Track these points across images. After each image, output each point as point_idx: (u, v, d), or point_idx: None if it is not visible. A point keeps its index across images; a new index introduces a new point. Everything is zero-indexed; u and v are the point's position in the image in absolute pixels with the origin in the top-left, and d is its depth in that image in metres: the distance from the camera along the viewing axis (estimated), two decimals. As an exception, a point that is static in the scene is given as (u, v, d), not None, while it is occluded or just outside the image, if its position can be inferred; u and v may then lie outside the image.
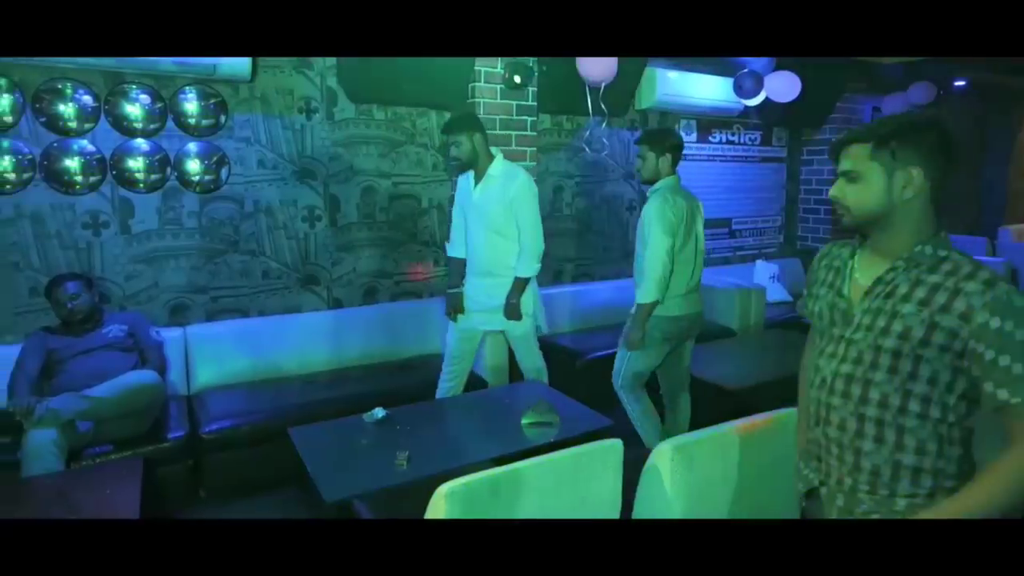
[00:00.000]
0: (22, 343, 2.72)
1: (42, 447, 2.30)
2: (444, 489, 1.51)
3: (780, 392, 2.18)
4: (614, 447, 1.79)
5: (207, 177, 3.21)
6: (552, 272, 4.45)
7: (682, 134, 4.88)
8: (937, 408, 1.20)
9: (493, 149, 2.89)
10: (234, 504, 2.75)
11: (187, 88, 3.10)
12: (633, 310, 2.77)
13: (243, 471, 2.85)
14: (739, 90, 4.19)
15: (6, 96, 2.77)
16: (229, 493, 2.80)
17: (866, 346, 1.25)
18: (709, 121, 5.10)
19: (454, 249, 3.09)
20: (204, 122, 3.16)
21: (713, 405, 3.10)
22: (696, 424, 2.96)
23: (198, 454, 2.75)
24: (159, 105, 3.06)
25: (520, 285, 2.86)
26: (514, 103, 3.67)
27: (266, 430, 2.82)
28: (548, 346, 3.89)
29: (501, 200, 2.80)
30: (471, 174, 2.91)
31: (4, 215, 2.83)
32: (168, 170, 3.13)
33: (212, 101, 3.17)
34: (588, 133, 4.43)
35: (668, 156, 2.75)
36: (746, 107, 4.85)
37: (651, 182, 2.79)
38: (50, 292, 2.73)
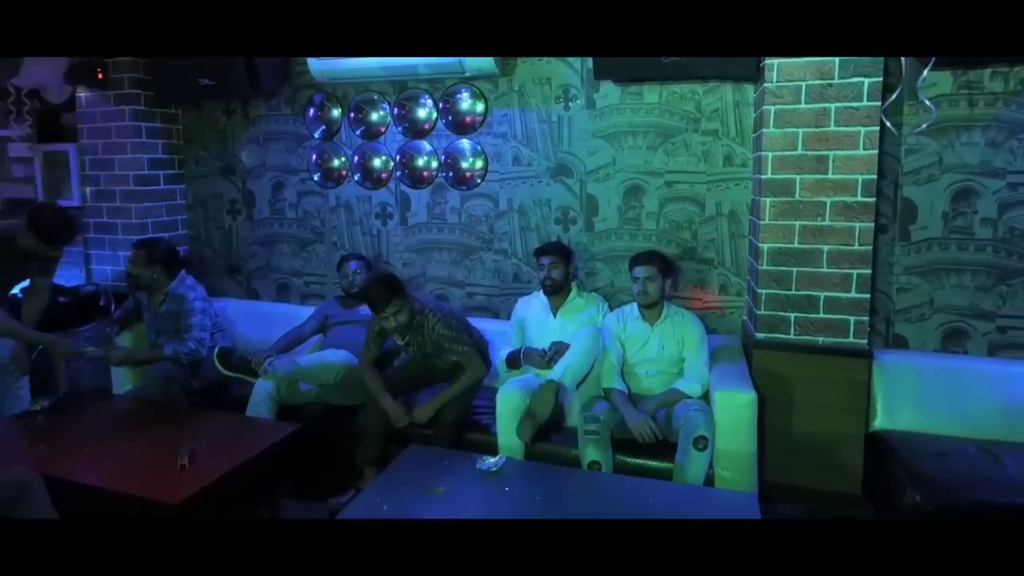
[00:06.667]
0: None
1: (259, 396, 2.83)
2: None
3: None
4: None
5: (467, 174, 3.26)
6: (942, 332, 2.74)
7: None
8: None
9: None
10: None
11: (453, 88, 3.20)
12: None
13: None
14: None
15: (336, 109, 3.45)
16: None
17: None
18: None
19: None
20: (467, 120, 3.21)
21: None
22: None
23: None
24: (433, 107, 3.25)
25: None
26: (836, 60, 2.35)
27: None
28: (880, 445, 2.49)
29: None
30: None
31: (330, 204, 3.57)
32: (437, 167, 3.32)
33: (473, 99, 3.18)
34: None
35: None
36: None
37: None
38: (339, 267, 3.30)
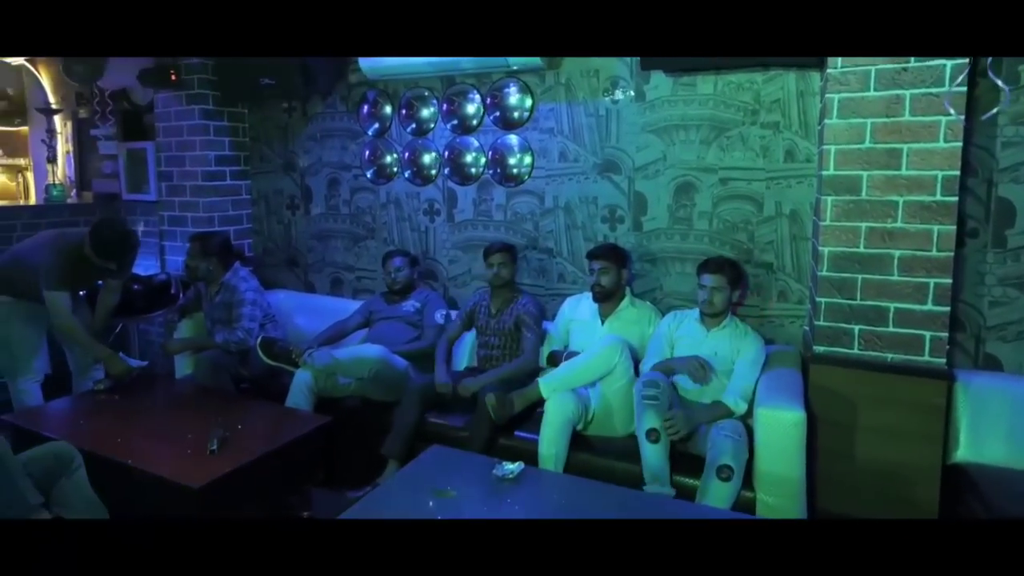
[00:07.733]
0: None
1: (298, 386, 2.88)
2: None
3: None
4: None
5: (513, 171, 3.18)
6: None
7: None
8: None
9: None
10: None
11: (500, 83, 3.12)
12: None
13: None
14: None
15: (388, 106, 3.47)
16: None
17: None
18: None
19: None
20: (513, 116, 3.13)
21: None
22: None
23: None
24: (480, 103, 3.20)
25: None
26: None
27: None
28: (961, 478, 2.23)
29: None
30: None
31: (381, 200, 3.59)
32: (483, 163, 3.26)
33: (520, 93, 3.09)
34: None
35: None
36: None
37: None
38: (384, 263, 3.32)
